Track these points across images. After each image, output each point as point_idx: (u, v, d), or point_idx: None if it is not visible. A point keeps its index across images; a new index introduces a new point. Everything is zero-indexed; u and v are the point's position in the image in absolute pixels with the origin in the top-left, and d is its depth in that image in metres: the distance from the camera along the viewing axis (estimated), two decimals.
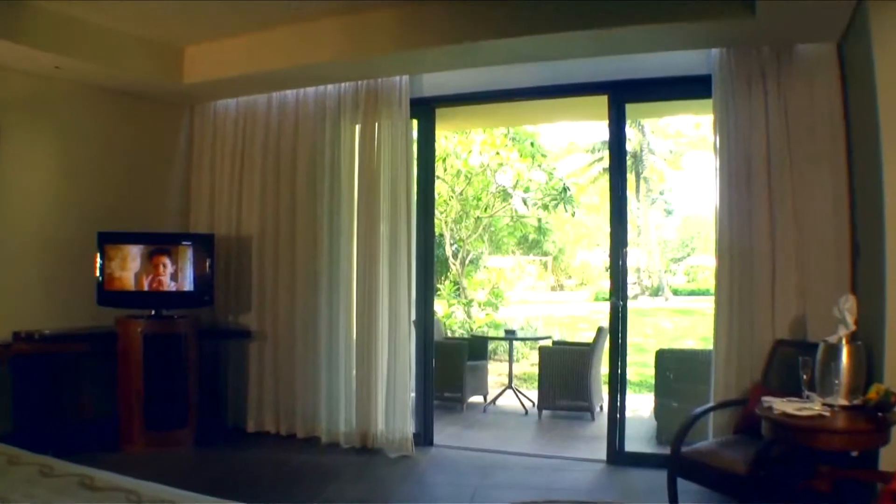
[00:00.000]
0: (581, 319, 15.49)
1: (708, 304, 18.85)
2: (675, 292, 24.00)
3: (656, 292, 23.71)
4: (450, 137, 9.63)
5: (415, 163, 4.61)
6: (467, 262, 11.77)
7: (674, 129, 24.31)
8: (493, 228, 12.38)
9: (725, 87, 3.83)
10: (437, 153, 10.03)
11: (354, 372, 4.65)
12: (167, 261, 4.66)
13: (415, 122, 4.68)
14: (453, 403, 6.13)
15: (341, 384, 4.71)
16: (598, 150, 31.21)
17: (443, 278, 13.54)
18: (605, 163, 30.16)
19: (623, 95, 4.19)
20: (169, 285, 4.65)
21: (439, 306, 9.52)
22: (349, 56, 4.13)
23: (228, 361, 5.09)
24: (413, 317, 4.60)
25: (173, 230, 5.18)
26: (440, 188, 10.44)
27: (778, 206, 3.70)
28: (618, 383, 4.17)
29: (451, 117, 6.40)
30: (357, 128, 4.65)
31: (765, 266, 3.70)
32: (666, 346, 11.27)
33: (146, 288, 4.60)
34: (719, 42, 3.81)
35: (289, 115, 4.88)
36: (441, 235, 11.27)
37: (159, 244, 4.67)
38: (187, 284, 4.69)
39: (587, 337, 12.26)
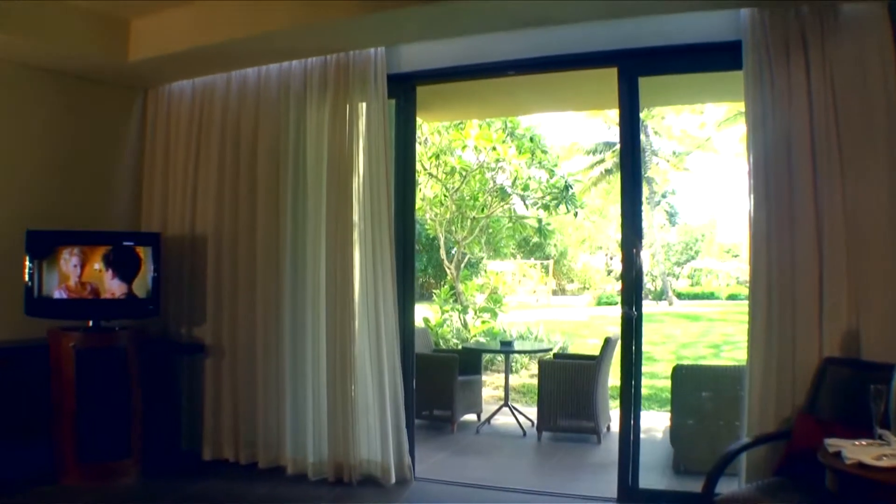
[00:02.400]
0: (583, 325, 14.83)
1: (713, 309, 18.31)
2: (679, 296, 23.47)
3: (660, 296, 23.15)
4: (443, 133, 9.03)
5: (393, 150, 3.97)
6: (463, 265, 11.14)
7: (678, 129, 23.75)
8: (490, 230, 11.76)
9: (758, 57, 3.19)
10: (429, 150, 9.54)
11: (325, 392, 4.03)
12: (106, 264, 4.03)
13: (393, 102, 4.04)
14: (443, 423, 5.48)
15: (308, 407, 4.08)
16: (601, 152, 30.80)
17: (441, 283, 12.94)
18: (608, 164, 29.79)
19: (635, 67, 3.54)
20: (107, 292, 4.02)
21: (431, 313, 8.90)
22: (311, 20, 3.49)
23: (181, 380, 4.45)
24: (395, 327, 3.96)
25: (122, 229, 4.56)
26: (434, 188, 9.84)
27: (825, 198, 3.05)
28: (630, 407, 3.52)
29: (439, 103, 5.80)
30: (326, 110, 4.02)
31: (809, 270, 3.06)
32: (675, 353, 10.72)
33: (81, 295, 3.97)
34: (750, 0, 3.17)
35: (249, 98, 4.26)
36: (435, 238, 10.67)
37: (97, 245, 4.03)
38: (129, 291, 4.05)
39: (591, 345, 11.73)
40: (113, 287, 4.06)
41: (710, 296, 23.83)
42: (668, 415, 4.49)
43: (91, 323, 4.01)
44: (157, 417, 4.27)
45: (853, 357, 2.96)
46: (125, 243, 4.09)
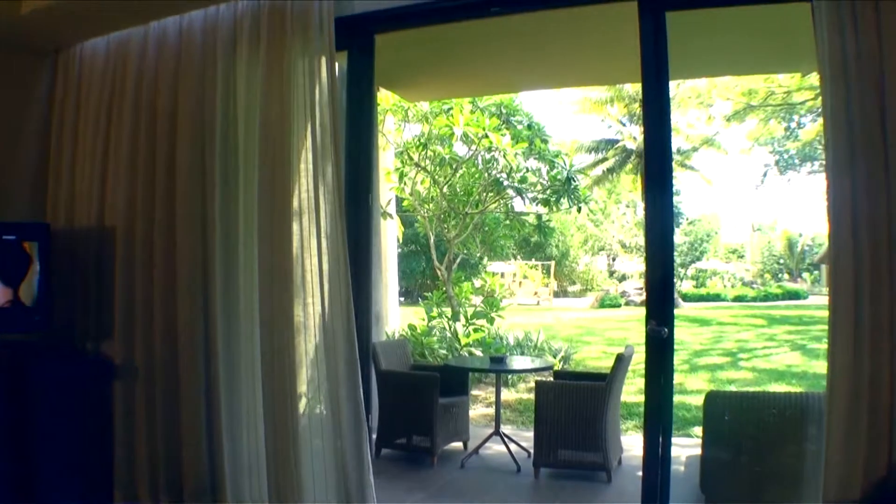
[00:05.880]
0: (587, 330, 13.94)
1: (722, 312, 17.41)
2: (684, 297, 22.65)
3: None
4: (431, 119, 8.14)
5: (343, 118, 3.09)
6: (456, 266, 10.26)
7: (683, 123, 22.89)
8: (486, 228, 10.87)
9: None
10: (416, 139, 8.67)
11: (261, 424, 3.16)
12: None
13: (345, 56, 3.18)
14: (421, 455, 4.60)
15: (244, 438, 3.21)
16: (602, 150, 30.00)
17: (436, 284, 12.09)
18: (609, 164, 28.97)
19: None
20: None
21: (416, 320, 8.01)
22: None
23: (90, 407, 3.56)
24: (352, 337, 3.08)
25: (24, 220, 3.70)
26: (425, 182, 8.98)
27: None
28: (658, 457, 2.62)
29: (420, 78, 4.96)
30: (259, 67, 3.14)
31: None
32: (688, 362, 9.75)
33: None
34: None
35: (168, 55, 3.38)
36: (425, 236, 9.81)
37: None
38: (15, 298, 3.18)
39: (596, 353, 10.81)
40: None
41: (717, 297, 23.07)
42: (699, 452, 3.62)
43: None
44: (54, 454, 3.40)
45: None
46: (5, 237, 3.20)
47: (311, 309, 3.02)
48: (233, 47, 3.20)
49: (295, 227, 3.05)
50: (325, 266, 2.96)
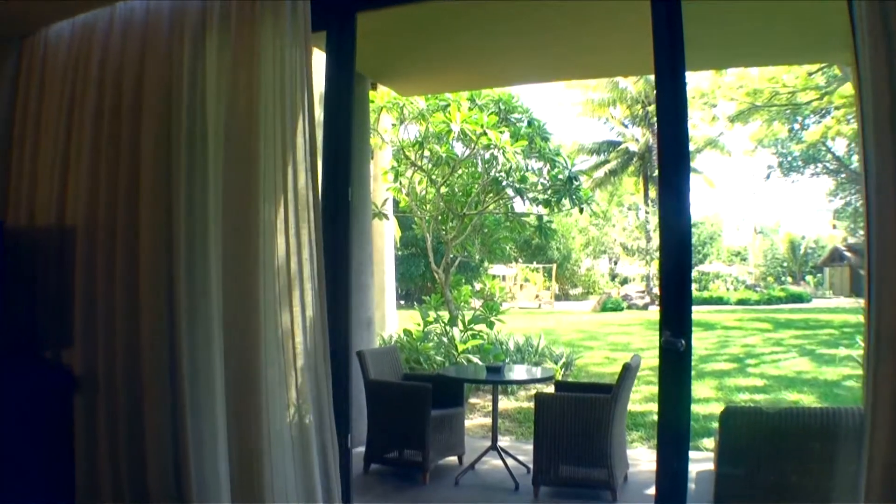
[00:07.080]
0: (589, 335, 13.65)
1: (726, 316, 17.10)
2: None
3: None
4: (427, 117, 7.87)
5: (317, 107, 2.81)
6: (454, 269, 9.97)
7: (686, 123, 22.65)
8: (486, 230, 10.58)
9: None
10: (411, 136, 8.40)
11: (228, 434, 2.88)
12: None
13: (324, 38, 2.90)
14: (413, 470, 4.31)
15: (220, 455, 2.93)
16: (604, 152, 29.75)
17: (435, 288, 11.84)
18: (611, 166, 28.75)
19: None
20: None
21: (414, 324, 7.72)
22: None
23: (47, 416, 3.28)
24: (322, 345, 2.80)
25: None
26: (423, 183, 8.70)
27: None
28: (672, 485, 2.32)
29: (414, 70, 4.68)
30: (229, 52, 2.86)
31: None
32: (695, 368, 9.41)
33: None
34: None
35: (134, 40, 3.10)
36: (423, 238, 9.55)
37: None
38: None
39: (599, 359, 10.52)
40: None
41: (720, 300, 22.79)
42: (710, 467, 3.35)
43: None
44: (10, 463, 3.12)
45: None
46: None
47: (282, 316, 2.74)
48: (202, 30, 2.93)
49: (264, 226, 2.77)
50: (295, 268, 2.69)
